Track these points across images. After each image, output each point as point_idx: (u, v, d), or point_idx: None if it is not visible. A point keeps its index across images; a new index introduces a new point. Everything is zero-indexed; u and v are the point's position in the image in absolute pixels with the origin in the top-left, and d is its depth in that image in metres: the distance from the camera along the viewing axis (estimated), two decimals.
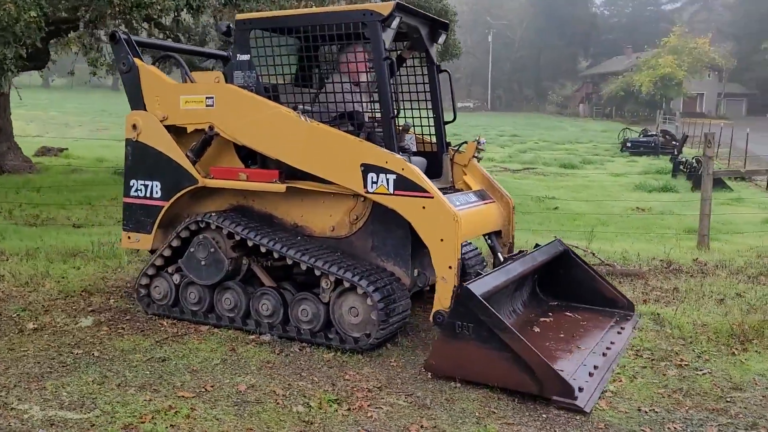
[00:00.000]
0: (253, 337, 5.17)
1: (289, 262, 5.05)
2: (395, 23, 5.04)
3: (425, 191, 4.77)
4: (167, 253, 5.61)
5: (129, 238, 5.95)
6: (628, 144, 29.41)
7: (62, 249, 7.94)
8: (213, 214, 5.39)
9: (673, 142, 29.57)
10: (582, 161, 25.07)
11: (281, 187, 5.24)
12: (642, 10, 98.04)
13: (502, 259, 5.37)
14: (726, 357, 4.96)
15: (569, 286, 5.96)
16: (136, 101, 5.86)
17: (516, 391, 4.15)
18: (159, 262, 5.67)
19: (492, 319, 4.17)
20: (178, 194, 5.64)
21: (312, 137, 5.11)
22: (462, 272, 4.81)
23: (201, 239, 5.39)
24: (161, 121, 5.71)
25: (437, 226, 4.73)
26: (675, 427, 3.81)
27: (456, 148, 6.01)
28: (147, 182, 5.79)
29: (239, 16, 5.65)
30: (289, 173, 5.31)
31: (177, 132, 5.69)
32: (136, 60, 5.84)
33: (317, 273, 4.94)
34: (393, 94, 5.12)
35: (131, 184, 5.87)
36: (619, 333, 5.29)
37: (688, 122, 47.08)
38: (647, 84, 58.98)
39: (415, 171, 4.83)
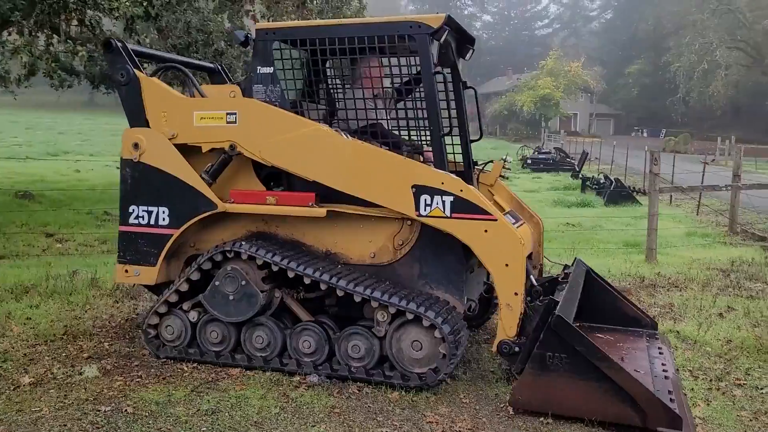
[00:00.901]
0: (297, 378, 4.66)
1: (341, 293, 4.60)
2: (444, 37, 4.76)
3: (487, 213, 4.50)
4: (184, 287, 4.98)
5: (126, 271, 5.25)
6: (528, 161, 30.51)
7: (3, 286, 6.95)
8: (243, 242, 4.84)
9: (567, 159, 31.07)
10: None
11: (320, 212, 4.80)
12: (518, 33, 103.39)
13: (535, 283, 5.18)
14: None
15: (593, 306, 5.87)
16: (137, 117, 5.20)
17: (615, 424, 3.94)
18: (174, 298, 5.02)
19: (588, 348, 3.97)
20: (192, 221, 5.05)
21: (357, 157, 4.72)
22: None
23: (229, 271, 4.82)
24: (170, 139, 5.10)
25: (502, 251, 4.48)
26: None
27: (481, 168, 5.80)
28: (151, 208, 5.14)
29: (260, 26, 5.16)
30: (321, 195, 4.88)
31: (187, 152, 5.10)
32: (137, 71, 5.20)
33: (374, 304, 4.54)
34: (441, 111, 4.83)
35: (131, 210, 5.19)
36: (660, 353, 5.24)
37: (568, 140, 49.96)
38: (528, 104, 61.84)
39: (475, 192, 4.57)
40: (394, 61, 5.13)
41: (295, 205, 4.89)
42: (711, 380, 4.84)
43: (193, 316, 5.01)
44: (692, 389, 4.65)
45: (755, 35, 54.09)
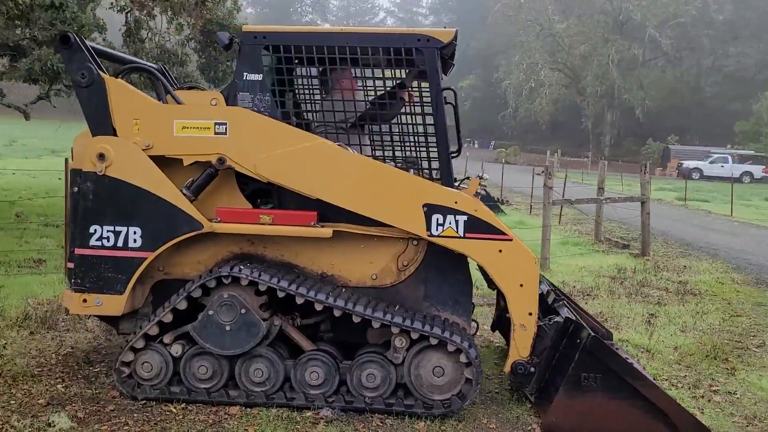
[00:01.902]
0: (310, 414, 4.30)
1: (357, 319, 4.32)
2: (451, 52, 4.66)
3: (503, 233, 4.46)
4: (168, 318, 4.41)
5: (85, 301, 4.56)
6: None
7: None
8: (241, 266, 4.39)
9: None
10: None
11: (326, 232, 4.48)
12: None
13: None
14: (731, 376, 5.44)
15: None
16: (101, 124, 4.56)
17: None
18: (154, 330, 4.43)
19: (623, 367, 4.05)
20: (172, 242, 4.50)
21: (366, 174, 4.48)
22: None
23: (226, 298, 4.34)
24: (143, 150, 4.52)
25: (517, 271, 4.46)
26: None
27: (457, 184, 5.74)
28: (119, 228, 4.51)
29: (247, 28, 4.74)
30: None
31: (161, 165, 4.54)
32: (100, 72, 4.55)
33: (394, 330, 4.30)
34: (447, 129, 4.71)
35: (92, 230, 4.52)
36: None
37: None
38: None
39: (489, 212, 4.50)
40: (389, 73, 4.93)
41: (295, 224, 4.52)
42: (689, 388, 5.15)
43: (176, 350, 4.46)
44: (681, 399, 4.90)
45: (572, 58, 59.24)
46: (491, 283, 4.87)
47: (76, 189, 4.69)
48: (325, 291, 4.39)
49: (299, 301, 4.34)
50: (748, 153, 47.17)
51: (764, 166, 44.74)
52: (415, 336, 4.30)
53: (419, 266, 4.67)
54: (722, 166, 43.54)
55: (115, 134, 4.55)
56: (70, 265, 4.70)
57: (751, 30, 56.54)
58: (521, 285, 4.46)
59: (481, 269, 4.65)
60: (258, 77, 4.67)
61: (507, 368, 4.53)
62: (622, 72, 56.88)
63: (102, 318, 4.96)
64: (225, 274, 4.33)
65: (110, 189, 4.49)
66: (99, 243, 4.53)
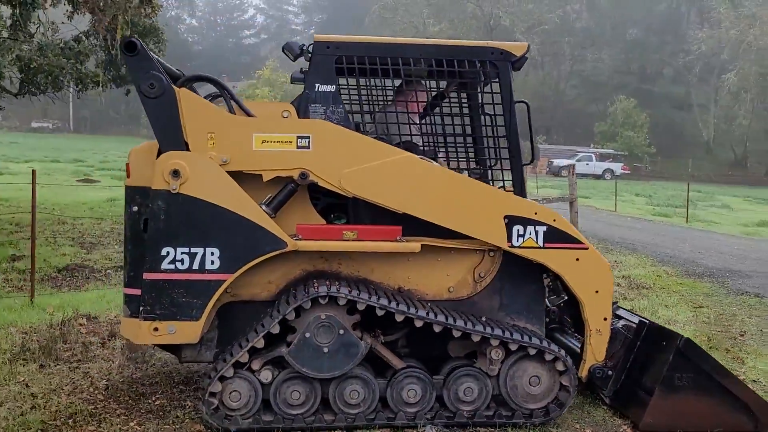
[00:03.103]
0: None
1: (438, 328, 4.30)
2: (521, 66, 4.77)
3: (580, 242, 4.64)
4: (260, 344, 4.18)
5: (156, 329, 4.23)
6: None
7: None
8: (336, 285, 4.24)
9: None
10: None
11: (414, 247, 4.44)
12: (224, 40, 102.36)
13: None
14: (743, 365, 5.95)
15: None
16: (172, 138, 4.25)
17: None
18: (244, 358, 4.19)
19: (712, 365, 4.35)
20: (253, 262, 4.28)
21: (450, 187, 4.49)
22: None
23: (324, 319, 4.19)
24: (221, 165, 4.26)
25: (593, 278, 4.65)
26: None
27: None
28: (195, 249, 4.22)
29: (319, 38, 4.59)
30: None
31: (237, 180, 4.30)
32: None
33: (494, 343, 4.35)
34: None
35: (164, 253, 4.20)
36: None
37: None
38: None
39: (566, 222, 4.66)
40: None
41: (380, 239, 4.44)
42: None
43: (265, 376, 4.24)
44: None
45: None
46: (560, 291, 5.00)
47: (135, 208, 4.35)
48: (417, 306, 4.34)
49: (399, 318, 4.27)
50: (608, 152, 51.14)
51: (623, 164, 48.71)
52: (513, 347, 4.36)
53: (495, 277, 4.74)
54: (587, 164, 46.87)
55: (187, 149, 4.25)
56: (132, 291, 4.34)
57: (606, 38, 61.18)
58: (597, 291, 4.65)
59: (556, 277, 4.78)
60: (331, 88, 4.55)
61: (583, 372, 4.70)
62: None
63: (163, 346, 4.62)
64: (323, 294, 4.17)
65: (185, 208, 4.19)
66: (172, 266, 4.22)
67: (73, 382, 4.90)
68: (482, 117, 4.98)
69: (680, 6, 65.18)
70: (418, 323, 4.29)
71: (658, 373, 4.36)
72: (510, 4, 57.61)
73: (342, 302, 4.20)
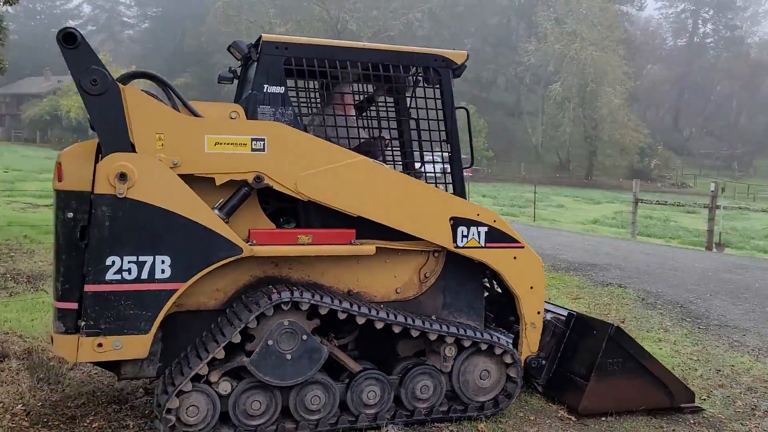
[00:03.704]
0: None
1: (415, 334, 4.38)
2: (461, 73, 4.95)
3: (516, 241, 4.91)
4: (221, 355, 3.99)
5: (100, 345, 3.92)
6: None
7: None
8: (297, 290, 4.15)
9: None
10: None
11: (370, 249, 4.47)
12: (47, 31, 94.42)
13: None
14: None
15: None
16: (116, 138, 3.95)
17: (652, 408, 4.83)
18: (204, 370, 3.97)
19: (637, 350, 4.79)
20: (207, 270, 4.10)
21: (403, 190, 4.57)
22: None
23: (287, 326, 4.09)
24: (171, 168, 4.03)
25: (528, 275, 4.95)
26: None
27: None
28: (144, 258, 3.96)
29: (267, 37, 4.48)
30: None
31: (189, 184, 4.10)
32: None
33: (449, 340, 4.48)
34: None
35: (109, 262, 3.90)
36: None
37: None
38: (75, 109, 57.75)
39: (504, 222, 4.91)
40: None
41: (335, 243, 4.42)
42: None
43: (224, 387, 4.07)
44: None
45: None
46: (494, 287, 5.24)
47: (70, 214, 3.98)
48: (375, 309, 4.38)
49: (360, 321, 4.27)
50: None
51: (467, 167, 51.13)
52: (467, 343, 4.52)
53: (438, 276, 4.87)
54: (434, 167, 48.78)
55: (132, 150, 3.97)
56: (66, 305, 3.98)
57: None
58: (531, 287, 4.94)
59: (493, 275, 5.01)
60: (280, 90, 4.46)
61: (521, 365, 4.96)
62: None
63: (100, 363, 4.26)
64: (287, 300, 4.07)
65: (133, 213, 3.92)
66: (118, 276, 3.92)
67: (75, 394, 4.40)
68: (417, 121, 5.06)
69: (511, 20, 69.76)
70: (379, 325, 4.32)
71: (592, 360, 4.72)
72: (356, 9, 58.49)
73: (304, 307, 4.13)
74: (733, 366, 6.12)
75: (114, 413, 4.43)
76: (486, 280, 5.18)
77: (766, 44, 75.90)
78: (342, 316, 4.23)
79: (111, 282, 3.91)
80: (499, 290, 5.21)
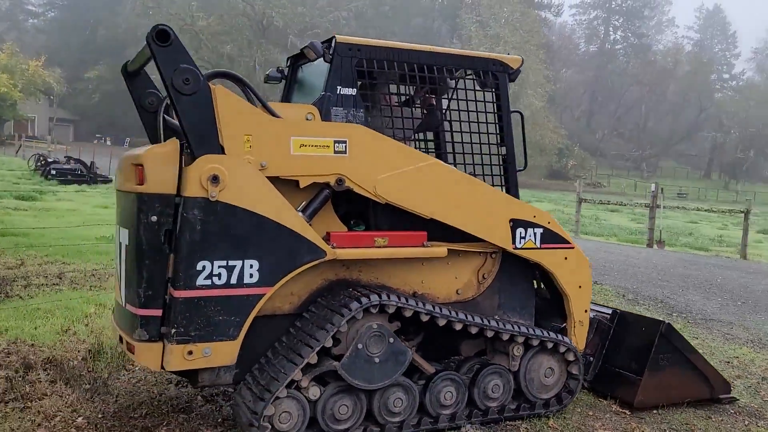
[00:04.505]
0: None
1: (490, 334, 4.46)
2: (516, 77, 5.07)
3: (568, 242, 5.07)
4: (314, 360, 3.94)
5: (191, 353, 3.80)
6: (53, 171, 27.47)
7: None
8: (384, 293, 4.15)
9: (94, 170, 29.30)
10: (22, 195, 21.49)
11: (442, 251, 4.52)
12: None
13: None
14: None
15: None
16: (206, 140, 3.83)
17: (695, 401, 5.11)
18: (299, 375, 3.91)
19: (684, 345, 5.05)
20: (292, 274, 4.04)
21: (470, 192, 4.64)
22: None
23: (375, 329, 4.09)
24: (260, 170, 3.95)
25: (577, 274, 5.12)
26: None
27: None
28: (233, 262, 3.87)
29: (341, 39, 4.44)
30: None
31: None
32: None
33: (520, 340, 4.59)
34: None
35: (200, 267, 3.78)
36: None
37: (26, 145, 46.31)
38: None
39: (557, 224, 5.06)
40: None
41: (409, 245, 4.44)
42: None
43: (314, 392, 4.02)
44: None
45: (219, 58, 59.78)
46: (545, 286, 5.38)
47: (154, 218, 3.82)
48: (450, 311, 4.43)
49: (441, 323, 4.32)
50: None
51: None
52: (535, 342, 4.65)
53: (495, 278, 4.97)
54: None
55: (222, 152, 3.86)
56: (150, 312, 3.83)
57: None
58: (580, 286, 5.12)
59: (543, 274, 5.16)
60: (352, 92, 4.44)
61: None
62: None
63: (179, 373, 4.12)
64: (376, 303, 4.06)
65: (224, 217, 3.81)
66: (209, 282, 3.81)
67: (46, 426, 4.15)
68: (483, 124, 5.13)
69: (435, 21, 70.88)
70: (458, 326, 4.38)
71: (645, 356, 4.95)
72: (282, 5, 57.85)
73: (391, 310, 4.14)
74: (737, 357, 6.53)
75: (186, 422, 4.29)
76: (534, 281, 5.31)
77: (670, 52, 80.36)
78: (425, 318, 4.26)
79: (201, 287, 3.79)
80: (545, 290, 5.35)
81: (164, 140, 4.79)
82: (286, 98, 5.18)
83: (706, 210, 19.70)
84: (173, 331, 3.75)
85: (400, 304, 4.14)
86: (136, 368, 5.34)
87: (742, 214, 16.44)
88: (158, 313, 3.83)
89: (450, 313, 4.35)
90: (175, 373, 4.25)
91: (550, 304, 5.33)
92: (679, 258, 13.91)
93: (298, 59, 5.17)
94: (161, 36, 3.65)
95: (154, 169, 3.83)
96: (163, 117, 4.21)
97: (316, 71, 5.01)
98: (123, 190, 4.08)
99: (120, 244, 4.14)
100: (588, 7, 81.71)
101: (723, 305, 8.99)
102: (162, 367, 3.87)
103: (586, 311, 5.17)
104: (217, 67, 60.48)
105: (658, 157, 73.87)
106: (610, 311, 5.48)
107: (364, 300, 4.06)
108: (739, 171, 75.06)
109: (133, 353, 3.91)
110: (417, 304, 4.22)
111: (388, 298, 4.12)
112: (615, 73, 77.34)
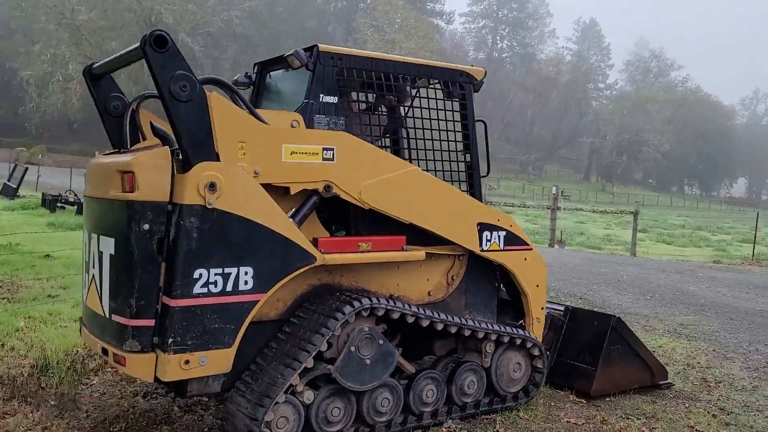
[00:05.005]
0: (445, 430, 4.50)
1: (467, 333, 4.66)
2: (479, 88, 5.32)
3: (527, 244, 5.38)
4: (310, 364, 3.99)
5: (187, 362, 3.76)
6: None
7: None
8: (373, 297, 4.26)
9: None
10: None
11: (420, 255, 4.69)
12: None
13: None
14: None
15: None
16: (202, 147, 3.80)
17: (639, 387, 5.57)
18: (296, 380, 3.94)
19: (631, 337, 5.49)
20: (284, 280, 4.08)
21: (446, 198, 4.84)
22: None
23: (367, 332, 4.19)
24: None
25: (535, 274, 5.44)
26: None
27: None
28: (229, 269, 3.87)
29: (324, 48, 4.51)
30: None
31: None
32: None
33: (493, 338, 4.84)
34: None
35: (196, 276, 3.76)
36: None
37: None
38: None
39: (518, 227, 5.35)
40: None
41: (390, 250, 4.58)
42: None
43: (308, 396, 4.06)
44: None
45: (103, 54, 57.08)
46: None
47: (146, 226, 3.75)
48: (432, 312, 4.61)
49: (424, 324, 4.49)
50: None
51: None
52: (505, 339, 4.90)
53: (462, 279, 5.20)
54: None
55: (217, 159, 3.84)
56: (142, 322, 3.75)
57: (267, 47, 63.37)
58: (537, 285, 5.44)
59: (502, 274, 5.43)
60: (334, 99, 4.53)
61: None
62: None
63: (164, 383, 4.03)
64: (367, 306, 4.17)
65: (219, 224, 3.80)
66: (205, 290, 3.78)
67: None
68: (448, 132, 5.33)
69: (330, 24, 70.96)
70: (439, 326, 4.57)
71: (599, 348, 5.33)
72: (171, 2, 55.99)
73: (380, 313, 4.26)
74: (661, 347, 7.12)
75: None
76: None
77: (552, 61, 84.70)
78: (410, 320, 4.41)
79: (198, 296, 3.75)
80: (504, 290, 5.63)
81: (130, 146, 4.69)
82: (255, 104, 5.17)
83: (601, 211, 20.98)
84: (170, 340, 3.69)
85: (389, 307, 4.27)
86: (94, 381, 5.15)
87: (631, 215, 17.70)
88: (151, 323, 3.76)
89: (433, 314, 4.52)
90: (161, 383, 4.16)
91: (504, 303, 5.63)
92: (583, 257, 14.81)
93: (267, 66, 5.18)
94: (158, 42, 3.59)
95: (147, 176, 3.75)
96: (151, 123, 4.11)
97: (287, 78, 5.06)
98: (104, 198, 3.96)
99: (99, 252, 4.01)
100: (477, 16, 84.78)
101: (635, 300, 9.72)
102: (155, 378, 3.80)
103: (542, 308, 5.49)
104: None
105: (543, 160, 77.66)
106: (562, 308, 5.84)
107: (356, 304, 4.15)
108: (615, 174, 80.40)
109: (124, 365, 3.80)
110: (404, 307, 4.36)
111: (378, 301, 4.23)
112: (503, 80, 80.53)
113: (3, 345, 5.92)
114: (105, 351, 3.95)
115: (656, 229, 28.98)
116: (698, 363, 6.61)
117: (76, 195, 20.32)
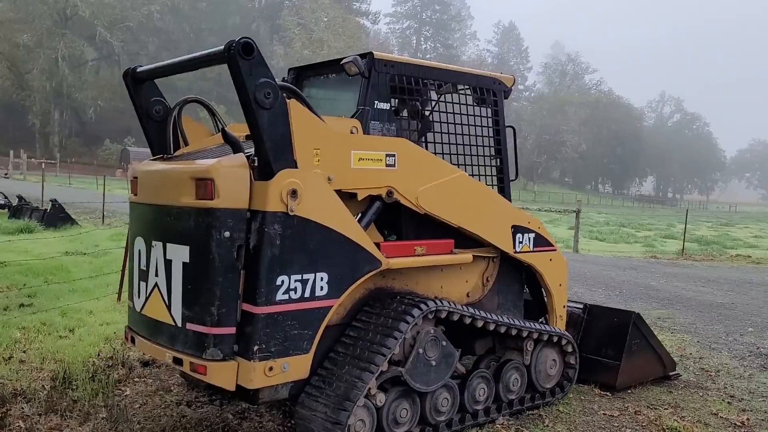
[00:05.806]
0: (498, 427, 4.64)
1: (513, 332, 4.83)
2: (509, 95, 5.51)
3: (552, 245, 5.61)
4: (385, 367, 4.04)
5: (271, 369, 3.76)
6: None
7: None
8: (438, 299, 4.36)
9: None
10: None
11: (467, 258, 4.82)
12: None
13: None
14: None
15: None
16: (283, 154, 3.79)
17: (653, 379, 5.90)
18: (373, 383, 3.99)
19: (648, 331, 5.80)
20: (355, 284, 4.13)
21: (489, 202, 4.99)
22: None
23: (432, 333, 4.28)
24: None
25: (558, 274, 5.67)
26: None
27: None
28: (307, 276, 3.88)
29: (379, 56, 4.57)
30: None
31: None
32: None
33: (534, 336, 5.01)
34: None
35: (279, 282, 3.75)
36: None
37: None
38: None
39: (545, 229, 5.56)
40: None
41: (441, 253, 4.69)
42: None
43: (380, 399, 4.11)
44: None
45: (14, 49, 54.29)
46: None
47: (227, 234, 3.71)
48: (483, 314, 4.75)
49: (479, 325, 4.61)
50: None
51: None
52: (545, 338, 5.10)
53: (495, 280, 5.36)
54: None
55: (295, 166, 3.84)
56: (223, 330, 3.71)
57: (189, 43, 61.92)
58: (560, 284, 5.68)
59: (528, 274, 5.63)
60: (386, 106, 4.60)
61: None
62: (72, 69, 55.00)
63: (223, 390, 3.97)
64: (433, 309, 4.27)
65: (300, 231, 3.80)
66: (286, 296, 3.78)
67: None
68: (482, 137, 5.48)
69: (254, 22, 69.97)
70: (491, 326, 4.71)
71: (621, 343, 5.61)
72: None
73: (442, 315, 4.37)
74: None
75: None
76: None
77: (474, 63, 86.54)
78: (467, 321, 4.54)
79: (280, 302, 3.74)
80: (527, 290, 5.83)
81: (173, 151, 4.62)
82: None
83: (546, 210, 21.70)
84: (255, 347, 3.67)
85: (451, 309, 4.38)
86: (127, 392, 5.01)
87: (562, 214, 18.43)
88: (232, 330, 3.72)
89: (488, 315, 4.66)
90: (229, 392, 4.10)
91: (527, 302, 5.84)
92: None
93: (305, 71, 5.18)
94: (246, 49, 3.55)
95: (227, 183, 3.70)
96: (223, 130, 4.05)
97: (329, 84, 5.09)
98: (172, 205, 3.88)
99: (167, 260, 3.93)
100: (401, 17, 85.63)
101: (607, 296, 10.17)
102: (236, 387, 3.77)
103: (564, 306, 5.73)
104: (12, 58, 54.91)
105: None
106: (581, 305, 6.10)
107: (423, 307, 4.24)
108: (535, 174, 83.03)
109: (204, 374, 3.74)
110: (463, 309, 4.48)
111: (442, 304, 4.34)
112: None
113: (11, 357, 5.67)
114: (177, 360, 3.87)
115: (585, 226, 30.16)
116: (690, 354, 7.02)
117: (6, 197, 19.30)
